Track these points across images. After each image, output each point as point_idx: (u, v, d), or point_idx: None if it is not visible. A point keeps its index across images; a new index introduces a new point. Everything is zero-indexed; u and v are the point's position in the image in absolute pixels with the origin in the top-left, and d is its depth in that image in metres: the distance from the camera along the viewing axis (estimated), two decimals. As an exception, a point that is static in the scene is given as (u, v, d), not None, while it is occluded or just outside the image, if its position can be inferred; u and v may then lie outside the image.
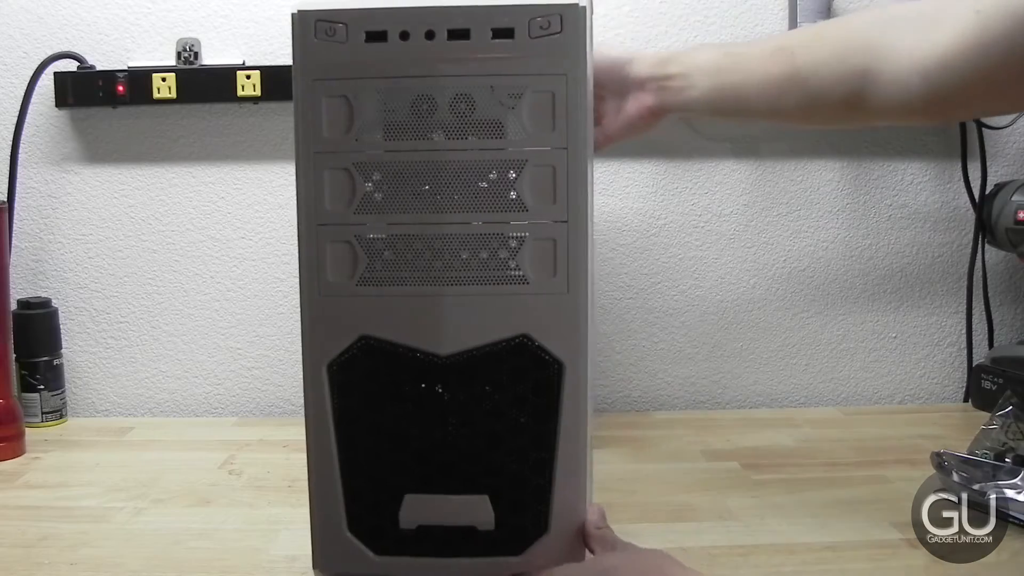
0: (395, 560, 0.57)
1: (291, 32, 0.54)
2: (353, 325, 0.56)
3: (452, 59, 0.53)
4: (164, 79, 0.99)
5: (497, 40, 0.52)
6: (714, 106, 0.74)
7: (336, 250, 0.55)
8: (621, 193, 1.05)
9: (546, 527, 0.56)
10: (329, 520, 0.57)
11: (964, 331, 1.08)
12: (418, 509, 0.56)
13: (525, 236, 0.54)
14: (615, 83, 0.78)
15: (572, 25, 0.52)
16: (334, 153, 0.55)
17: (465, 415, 0.56)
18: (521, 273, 0.54)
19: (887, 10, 0.63)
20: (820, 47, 0.67)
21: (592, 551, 0.56)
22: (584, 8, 0.53)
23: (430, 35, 0.53)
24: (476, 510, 0.56)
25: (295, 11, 0.54)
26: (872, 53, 0.63)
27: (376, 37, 0.53)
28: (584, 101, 0.53)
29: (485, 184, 0.54)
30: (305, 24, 0.54)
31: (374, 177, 0.55)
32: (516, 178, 0.54)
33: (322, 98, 0.54)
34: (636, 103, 0.78)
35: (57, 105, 1.01)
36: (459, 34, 0.53)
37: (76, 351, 1.06)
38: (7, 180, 1.00)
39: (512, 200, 0.54)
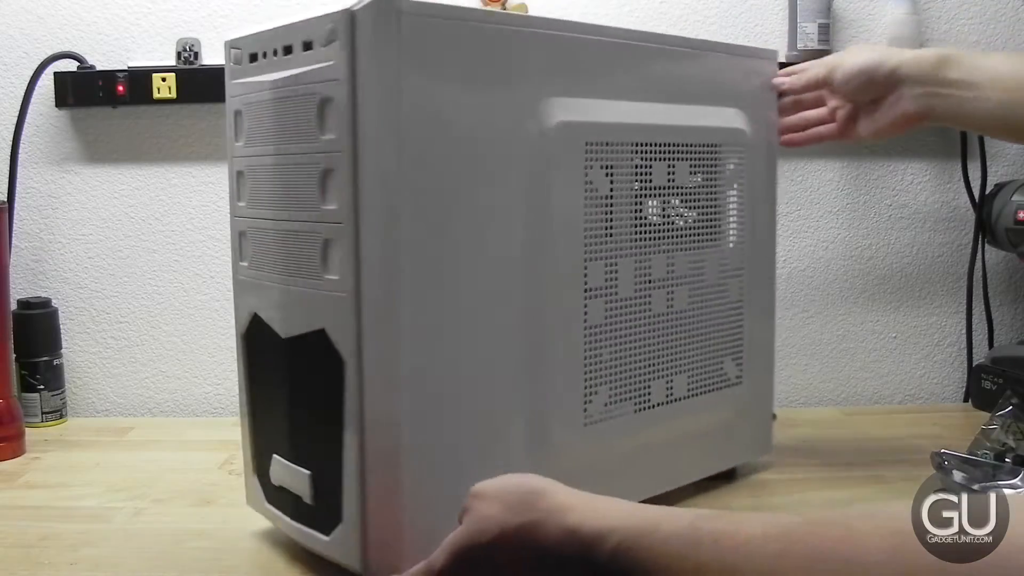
0: (272, 509, 0.65)
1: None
2: (250, 303, 0.66)
3: (279, 72, 0.59)
4: (164, 79, 0.99)
5: (305, 52, 0.57)
6: (1010, 125, 0.65)
7: (240, 239, 0.66)
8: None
9: (339, 517, 0.58)
10: (248, 463, 0.68)
11: (964, 331, 1.08)
12: (277, 470, 0.63)
13: (318, 236, 0.57)
14: (869, 85, 0.70)
15: (346, 31, 0.53)
16: (235, 158, 0.65)
17: (294, 395, 0.62)
18: (316, 271, 0.57)
19: None
20: None
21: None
22: (355, 13, 0.53)
23: (275, 52, 0.60)
24: (301, 483, 0.61)
25: (226, 40, 0.65)
26: None
27: (253, 58, 0.62)
28: (357, 104, 0.53)
29: (291, 186, 0.59)
30: (226, 50, 0.65)
31: (246, 178, 0.64)
32: (309, 181, 0.57)
33: (231, 112, 0.65)
34: (893, 108, 0.69)
35: (57, 105, 1.01)
36: (287, 50, 0.59)
37: (76, 351, 1.06)
38: (7, 180, 1.00)
39: (307, 201, 0.57)
